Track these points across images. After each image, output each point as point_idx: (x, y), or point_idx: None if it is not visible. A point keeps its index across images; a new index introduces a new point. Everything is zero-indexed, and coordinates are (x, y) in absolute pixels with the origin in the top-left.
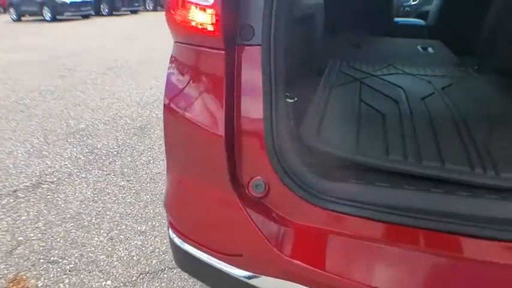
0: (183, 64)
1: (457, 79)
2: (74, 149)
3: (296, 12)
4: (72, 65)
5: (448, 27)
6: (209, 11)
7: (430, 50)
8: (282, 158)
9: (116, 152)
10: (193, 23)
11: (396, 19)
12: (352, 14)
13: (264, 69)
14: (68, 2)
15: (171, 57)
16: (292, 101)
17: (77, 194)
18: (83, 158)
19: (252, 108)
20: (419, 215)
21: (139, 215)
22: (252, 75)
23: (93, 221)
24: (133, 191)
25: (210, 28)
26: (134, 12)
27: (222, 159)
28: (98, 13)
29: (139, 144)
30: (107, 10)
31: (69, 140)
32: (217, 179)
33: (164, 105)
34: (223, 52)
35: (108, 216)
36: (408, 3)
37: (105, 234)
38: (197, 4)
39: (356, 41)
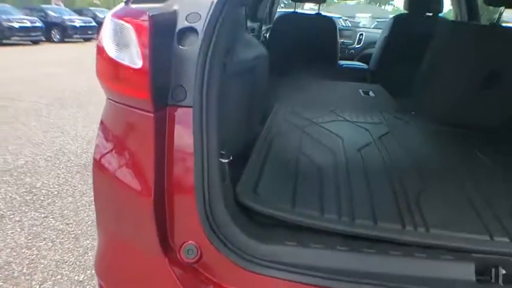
0: (115, 122)
1: (394, 127)
2: (10, 188)
3: (233, 68)
4: (15, 94)
5: (388, 71)
6: (138, 73)
7: (371, 93)
8: (214, 221)
9: (56, 192)
10: (123, 84)
11: (341, 62)
12: (298, 58)
13: (194, 131)
14: (17, 27)
15: (104, 112)
16: (227, 160)
17: (8, 240)
18: (18, 198)
19: (183, 170)
20: (353, 278)
21: (78, 263)
22: (183, 136)
23: (25, 271)
24: (73, 236)
25: (139, 90)
26: (87, 40)
27: (151, 222)
28: (49, 39)
29: (82, 183)
30: (58, 36)
31: (4, 178)
32: (147, 242)
33: (94, 161)
34: (152, 114)
35: (42, 265)
36: (353, 46)
37: (38, 287)
38: (127, 66)
39: (302, 84)
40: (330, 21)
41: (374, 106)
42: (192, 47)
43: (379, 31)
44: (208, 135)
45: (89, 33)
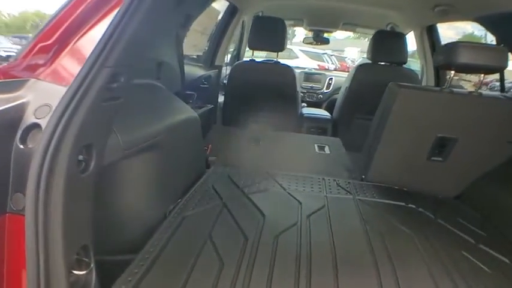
0: None
1: (332, 202)
2: None
3: (115, 153)
4: None
5: (348, 123)
6: None
7: (326, 149)
8: None
9: None
10: None
11: (304, 110)
12: (256, 108)
13: (28, 245)
14: None
15: None
16: (83, 272)
17: None
18: None
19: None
20: None
21: None
22: (20, 246)
23: None
24: None
25: None
26: None
27: None
28: None
29: None
30: None
31: None
32: None
33: None
34: None
35: None
36: (321, 91)
37: None
38: None
39: (254, 139)
40: (288, 69)
41: (323, 167)
42: (37, 146)
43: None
44: (47, 248)
45: None
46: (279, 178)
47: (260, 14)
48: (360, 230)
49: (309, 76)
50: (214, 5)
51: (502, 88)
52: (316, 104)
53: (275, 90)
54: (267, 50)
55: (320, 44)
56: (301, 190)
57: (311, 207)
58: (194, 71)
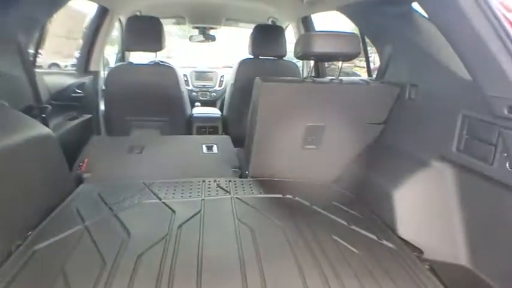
0: None
1: (209, 204)
2: None
3: None
4: None
5: (236, 119)
6: None
7: (214, 149)
8: None
9: None
10: None
11: (194, 110)
12: (138, 113)
13: None
14: None
15: None
16: None
17: None
18: None
19: None
20: None
21: None
22: None
23: None
24: None
25: None
26: None
27: None
28: None
29: None
30: None
31: None
32: None
33: None
34: None
35: None
36: (214, 88)
37: None
38: None
39: (142, 142)
40: (170, 69)
41: (208, 168)
42: None
43: None
44: None
45: None
46: (155, 187)
47: (138, 14)
48: (231, 231)
49: (200, 74)
50: (79, 7)
51: (369, 73)
52: (210, 103)
53: (158, 92)
54: (144, 51)
55: (207, 41)
56: (178, 197)
57: (185, 215)
58: (62, 79)
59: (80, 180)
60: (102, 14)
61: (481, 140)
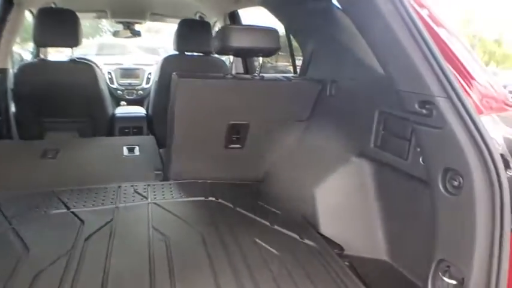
0: None
1: (122, 212)
2: None
3: None
4: None
5: (162, 118)
6: None
7: (136, 151)
8: None
9: None
10: None
11: (117, 110)
12: (52, 115)
13: None
14: None
15: None
16: None
17: None
18: None
19: None
20: None
21: None
22: None
23: None
24: None
25: None
26: None
27: None
28: None
29: None
30: None
31: None
32: None
33: None
34: None
35: None
36: (141, 86)
37: None
38: None
39: (57, 146)
40: (87, 66)
41: (128, 172)
42: None
43: None
44: None
45: None
46: (65, 196)
47: (53, 6)
48: (143, 240)
49: (125, 72)
50: None
51: (294, 69)
52: (137, 102)
53: (75, 91)
54: (57, 46)
55: (132, 37)
56: (89, 206)
57: (94, 225)
58: None
59: None
60: (6, 3)
61: (396, 135)
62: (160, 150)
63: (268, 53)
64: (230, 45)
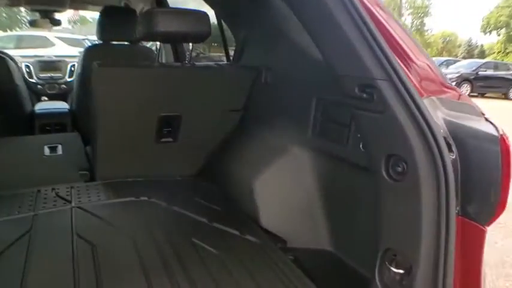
0: None
1: (42, 219)
2: None
3: None
4: None
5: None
6: None
7: (58, 150)
8: None
9: None
10: None
11: (37, 106)
12: None
13: None
14: None
15: None
16: None
17: None
18: None
19: None
20: None
21: None
22: None
23: None
24: None
25: None
26: None
27: None
28: None
29: None
30: None
31: None
32: None
33: None
34: None
35: None
36: (64, 80)
37: None
38: None
39: None
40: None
41: (48, 174)
42: None
43: None
44: None
45: None
46: None
47: None
48: (66, 251)
49: (45, 64)
50: None
51: (227, 57)
52: (60, 96)
53: None
54: None
55: (51, 26)
56: (3, 216)
57: (9, 238)
58: None
59: None
60: None
61: (335, 122)
62: (86, 147)
63: (198, 38)
64: (156, 30)
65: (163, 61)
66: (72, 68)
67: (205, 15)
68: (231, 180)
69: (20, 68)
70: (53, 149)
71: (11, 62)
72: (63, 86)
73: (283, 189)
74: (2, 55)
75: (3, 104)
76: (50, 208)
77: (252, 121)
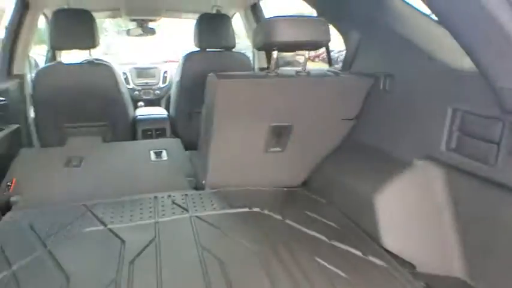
0: None
1: (164, 227)
2: None
3: None
4: None
5: (187, 119)
6: None
7: (163, 155)
8: None
9: None
10: None
11: (138, 111)
12: (73, 120)
13: None
14: None
15: None
16: None
17: None
18: None
19: None
20: None
21: None
22: None
23: None
24: None
25: None
26: None
27: None
28: None
29: None
30: None
31: None
32: None
33: None
34: None
35: None
36: (158, 86)
37: None
38: None
39: (80, 153)
40: (105, 67)
41: (159, 180)
42: None
43: None
44: None
45: None
46: (99, 210)
47: (66, 7)
48: (195, 264)
49: (141, 71)
50: None
51: (329, 61)
52: (154, 102)
53: (95, 94)
54: (74, 48)
55: (146, 35)
56: (127, 221)
57: (137, 245)
58: None
59: (8, 205)
60: (22, 7)
61: (478, 137)
62: (187, 152)
63: (318, 46)
64: (276, 40)
65: (257, 67)
66: (165, 74)
67: (324, 22)
68: (342, 193)
69: (121, 76)
70: (158, 154)
71: (116, 70)
72: (157, 91)
73: (409, 207)
74: (108, 64)
75: (112, 112)
76: (169, 216)
77: (366, 130)
